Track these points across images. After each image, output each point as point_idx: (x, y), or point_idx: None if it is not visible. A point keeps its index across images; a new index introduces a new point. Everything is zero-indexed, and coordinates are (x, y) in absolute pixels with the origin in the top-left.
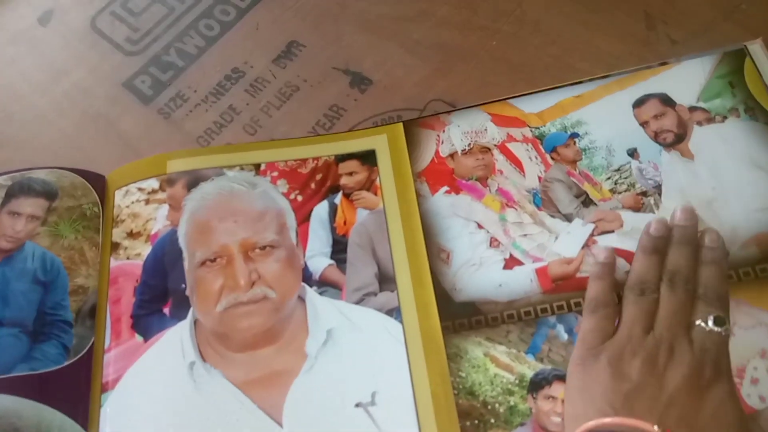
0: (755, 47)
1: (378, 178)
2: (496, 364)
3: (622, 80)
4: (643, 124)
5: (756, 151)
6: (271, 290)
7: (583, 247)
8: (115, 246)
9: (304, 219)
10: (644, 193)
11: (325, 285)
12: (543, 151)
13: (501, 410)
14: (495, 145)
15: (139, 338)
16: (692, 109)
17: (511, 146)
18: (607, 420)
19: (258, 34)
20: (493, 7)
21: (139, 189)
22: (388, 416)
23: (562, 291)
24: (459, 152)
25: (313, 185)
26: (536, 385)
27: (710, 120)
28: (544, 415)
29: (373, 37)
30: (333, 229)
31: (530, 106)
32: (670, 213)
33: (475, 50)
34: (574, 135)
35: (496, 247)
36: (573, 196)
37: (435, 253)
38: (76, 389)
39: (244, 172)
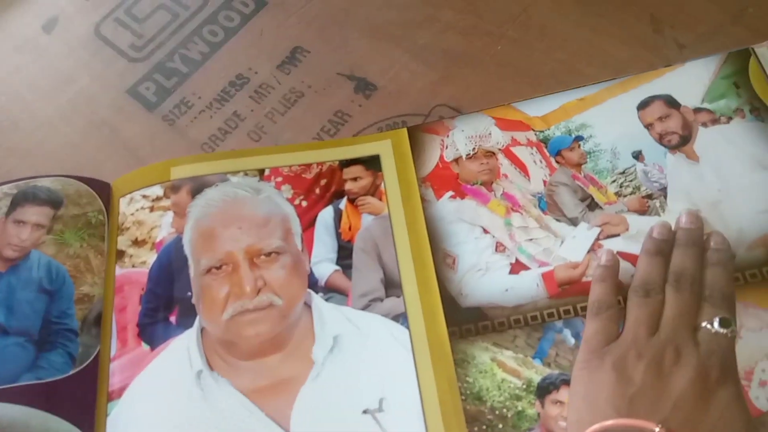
0: (763, 50)
1: (383, 184)
2: (504, 370)
3: (626, 82)
4: (648, 126)
5: (762, 152)
6: (277, 297)
7: (589, 251)
8: (121, 254)
9: (309, 224)
10: (650, 196)
11: (330, 291)
12: (548, 154)
13: (509, 415)
14: (499, 150)
15: (145, 347)
16: (697, 110)
17: (515, 150)
18: (609, 422)
19: (262, 40)
20: (498, 12)
21: (144, 196)
22: (395, 423)
23: (569, 295)
24: (463, 157)
25: (317, 191)
26: (544, 390)
27: (715, 121)
28: (552, 420)
29: (377, 42)
30: (338, 235)
31: (534, 109)
32: (676, 217)
33: (481, 56)
34: (579, 138)
35: (501, 252)
36: (578, 200)
37: (441, 258)
38: (83, 398)
39: (248, 178)
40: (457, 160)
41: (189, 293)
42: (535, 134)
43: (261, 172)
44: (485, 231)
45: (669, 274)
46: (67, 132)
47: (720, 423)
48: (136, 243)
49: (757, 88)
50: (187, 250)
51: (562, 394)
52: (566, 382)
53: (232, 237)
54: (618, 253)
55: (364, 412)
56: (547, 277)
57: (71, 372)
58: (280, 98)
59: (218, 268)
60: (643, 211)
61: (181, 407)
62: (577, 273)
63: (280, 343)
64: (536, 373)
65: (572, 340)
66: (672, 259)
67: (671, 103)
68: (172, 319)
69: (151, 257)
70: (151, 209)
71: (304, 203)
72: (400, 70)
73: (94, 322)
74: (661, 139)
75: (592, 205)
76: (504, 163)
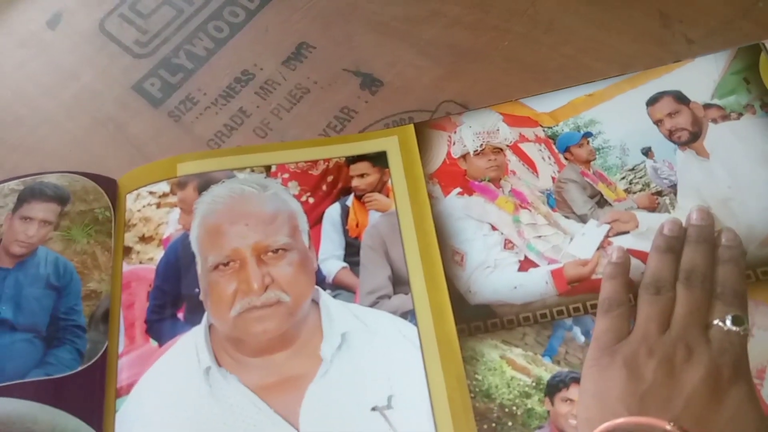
0: None
1: (390, 180)
2: (513, 367)
3: (635, 78)
4: (657, 123)
5: None
6: (284, 294)
7: (598, 249)
8: (128, 250)
9: (316, 221)
10: (659, 193)
11: (338, 288)
12: (556, 151)
13: (518, 413)
14: (507, 146)
15: (153, 343)
16: (707, 106)
17: (523, 146)
18: (620, 420)
19: (267, 36)
20: (505, 7)
21: (150, 193)
22: (404, 420)
23: (578, 293)
24: (471, 153)
25: (324, 187)
26: (553, 387)
27: (725, 117)
28: (562, 417)
29: (383, 38)
30: (345, 232)
31: (542, 105)
32: (686, 214)
33: (487, 51)
34: (588, 134)
35: (510, 249)
36: (587, 197)
37: (449, 255)
38: (91, 394)
39: (255, 174)
40: (464, 157)
41: (196, 290)
42: (544, 130)
43: (267, 168)
44: (493, 228)
45: (680, 271)
46: (71, 128)
47: (732, 421)
48: (143, 239)
49: (767, 84)
50: (195, 246)
51: (572, 392)
52: (576, 380)
53: (239, 234)
54: (628, 250)
55: (373, 409)
56: (556, 274)
57: (79, 368)
58: (285, 94)
59: (225, 264)
60: (652, 208)
61: (189, 404)
62: (587, 270)
63: (287, 340)
64: (546, 370)
65: (582, 338)
66: (683, 256)
67: (681, 99)
68: (180, 315)
69: (158, 254)
70: (158, 206)
71: (311, 200)
72: (406, 65)
73: (102, 319)
74: (670, 135)
75: (602, 202)
76: (512, 160)
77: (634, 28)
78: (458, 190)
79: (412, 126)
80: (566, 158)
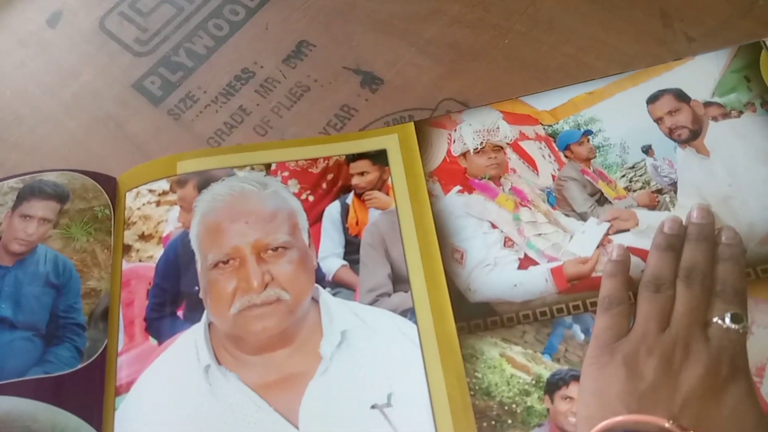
0: None
1: (390, 178)
2: (513, 365)
3: (635, 76)
4: (658, 121)
5: None
6: (284, 292)
7: (598, 247)
8: (127, 248)
9: (316, 219)
10: (660, 191)
11: (338, 286)
12: (556, 149)
13: (518, 411)
14: (507, 144)
15: (152, 341)
16: (707, 104)
17: (523, 144)
18: (619, 418)
19: (268, 34)
20: (505, 5)
21: (150, 191)
22: (404, 418)
23: (578, 291)
24: (471, 151)
25: (324, 185)
26: (553, 385)
27: (726, 115)
28: (562, 415)
29: (383, 36)
30: (345, 230)
31: (542, 103)
32: (686, 212)
33: (488, 49)
34: (588, 132)
35: (510, 247)
36: (587, 195)
37: (449, 253)
38: (90, 392)
39: (255, 173)
40: (464, 155)
41: (196, 288)
42: (544, 128)
43: (267, 166)
44: (493, 226)
45: (680, 269)
46: (71, 126)
47: (731, 419)
48: (143, 237)
49: None
50: (194, 244)
51: (572, 389)
52: (576, 378)
53: (239, 232)
54: (628, 248)
55: (373, 407)
56: (556, 272)
57: (79, 366)
58: (286, 92)
59: (225, 262)
60: (653, 206)
61: (189, 402)
62: (587, 268)
63: (287, 338)
64: (545, 368)
65: (582, 336)
66: (683, 254)
67: (681, 97)
68: (180, 313)
69: (158, 252)
70: (158, 204)
71: (311, 198)
72: (406, 63)
73: (101, 317)
74: (671, 133)
75: (602, 200)
76: (512, 158)
77: (634, 26)
78: (458, 188)
79: (412, 124)
80: (566, 156)
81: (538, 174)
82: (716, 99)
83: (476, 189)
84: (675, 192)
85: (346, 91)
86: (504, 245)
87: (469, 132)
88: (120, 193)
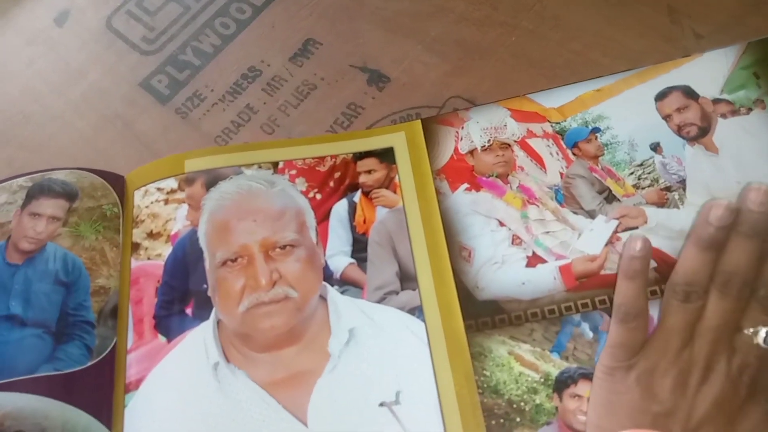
0: None
1: (397, 176)
2: (521, 363)
3: (643, 73)
4: (666, 118)
5: None
6: (292, 290)
7: (606, 244)
8: (136, 246)
9: (323, 218)
10: (668, 188)
11: (346, 284)
12: (564, 146)
13: (526, 409)
14: (515, 141)
15: (162, 339)
16: (716, 101)
17: (531, 142)
18: None
19: (274, 33)
20: (512, 2)
21: (158, 189)
22: (412, 416)
23: (587, 288)
24: (479, 149)
25: (331, 183)
26: (562, 383)
27: (735, 112)
28: (570, 413)
29: (390, 34)
30: (353, 228)
31: (550, 100)
32: (695, 210)
33: (495, 47)
34: (596, 130)
35: (518, 245)
36: (596, 192)
37: (456, 251)
38: (100, 389)
39: (262, 171)
40: (472, 152)
41: (205, 286)
42: (552, 126)
43: (275, 165)
44: (501, 224)
45: (717, 272)
46: (79, 125)
47: None
48: (151, 235)
49: None
50: (203, 242)
51: (581, 387)
52: (585, 376)
53: (247, 230)
54: None
55: (381, 404)
56: (564, 270)
57: (88, 363)
58: (292, 91)
59: (233, 260)
60: (661, 204)
61: (197, 399)
62: (595, 266)
63: (295, 336)
64: (554, 366)
65: (590, 334)
66: (726, 252)
67: (690, 94)
68: (188, 311)
69: (167, 250)
70: (166, 202)
71: (319, 196)
72: (413, 61)
73: (111, 314)
74: (679, 130)
75: (610, 198)
76: (520, 155)
77: (642, 23)
78: (466, 185)
79: (419, 122)
80: (574, 154)
81: (546, 172)
82: (725, 96)
83: (484, 187)
84: (684, 189)
85: (352, 89)
86: (512, 243)
87: (477, 129)
88: (128, 191)
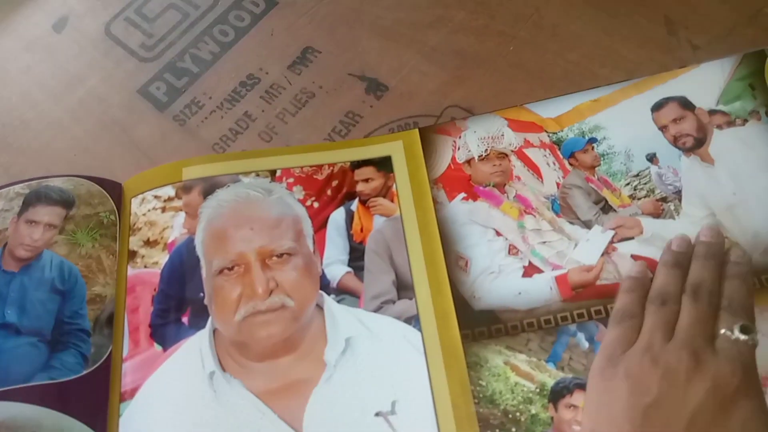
0: None
1: (394, 185)
2: (517, 373)
3: (640, 84)
4: (662, 129)
5: None
6: (289, 298)
7: (602, 255)
8: (132, 254)
9: (320, 226)
10: (664, 199)
11: (342, 293)
12: (561, 156)
13: (522, 419)
14: (512, 151)
15: (157, 347)
16: (712, 112)
17: (528, 152)
18: None
19: (273, 40)
20: (510, 12)
21: (156, 197)
22: (408, 425)
23: (582, 299)
24: (476, 158)
25: (329, 192)
26: (557, 393)
27: (730, 123)
28: (566, 423)
29: (389, 43)
30: (350, 237)
31: (547, 110)
32: (690, 220)
33: (493, 56)
34: (592, 140)
35: (515, 255)
36: (592, 203)
37: (453, 260)
38: (95, 398)
39: (260, 179)
40: (469, 162)
41: (201, 294)
42: (548, 136)
43: (272, 173)
44: (498, 233)
45: (686, 285)
46: (77, 132)
47: None
48: (148, 243)
49: None
50: (199, 250)
51: (576, 398)
52: (580, 386)
53: (244, 238)
54: (632, 256)
55: (377, 414)
56: (560, 280)
57: (84, 372)
58: (291, 99)
59: (230, 269)
60: (657, 214)
61: (193, 408)
62: (591, 276)
63: (292, 345)
64: (550, 376)
65: (586, 344)
66: (690, 271)
67: (686, 104)
68: (185, 320)
69: (163, 258)
70: (163, 210)
71: (316, 204)
72: (411, 70)
73: (107, 323)
74: (675, 141)
75: (606, 208)
76: (517, 165)
77: (639, 34)
78: (463, 195)
79: (416, 131)
80: (571, 164)
81: (542, 181)
82: (721, 107)
83: (481, 196)
84: (679, 200)
85: (351, 98)
86: (508, 253)
87: (474, 139)
88: (125, 199)
